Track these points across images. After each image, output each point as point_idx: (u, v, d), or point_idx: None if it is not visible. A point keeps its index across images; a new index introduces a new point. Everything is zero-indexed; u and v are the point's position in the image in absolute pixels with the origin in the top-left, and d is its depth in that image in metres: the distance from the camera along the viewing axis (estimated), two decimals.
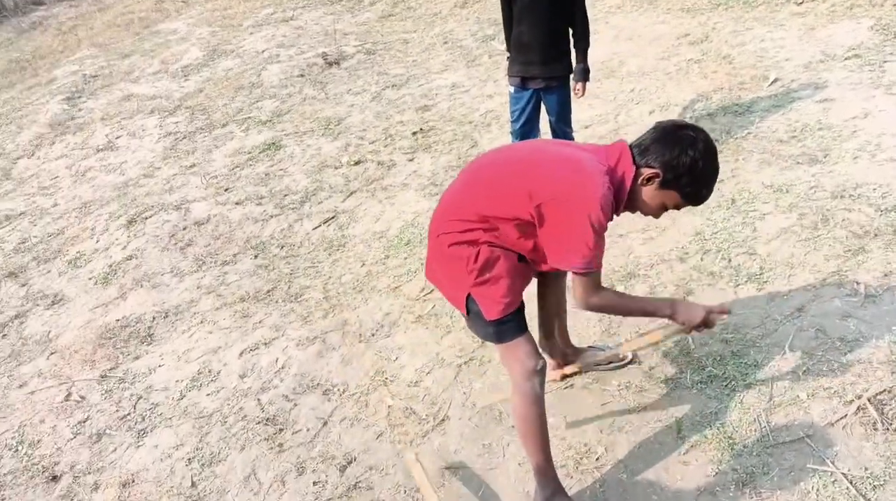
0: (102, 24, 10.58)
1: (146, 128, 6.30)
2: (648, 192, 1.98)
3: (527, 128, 3.83)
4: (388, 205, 4.33)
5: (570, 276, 2.04)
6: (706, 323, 2.08)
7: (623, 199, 1.97)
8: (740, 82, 4.64)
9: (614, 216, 2.00)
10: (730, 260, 3.13)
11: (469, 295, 2.08)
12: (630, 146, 1.99)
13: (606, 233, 1.95)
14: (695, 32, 5.59)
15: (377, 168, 4.79)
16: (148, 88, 7.33)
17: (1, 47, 10.70)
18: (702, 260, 3.19)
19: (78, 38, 9.97)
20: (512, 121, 3.90)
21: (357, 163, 4.90)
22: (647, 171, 1.94)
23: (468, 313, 2.14)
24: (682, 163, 1.89)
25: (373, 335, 3.29)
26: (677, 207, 2.01)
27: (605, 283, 3.11)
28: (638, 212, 2.08)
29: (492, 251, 2.02)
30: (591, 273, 1.96)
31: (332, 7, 8.97)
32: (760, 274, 3.00)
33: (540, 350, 2.23)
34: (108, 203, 5.09)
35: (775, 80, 4.52)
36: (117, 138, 6.22)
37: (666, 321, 2.23)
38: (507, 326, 2.10)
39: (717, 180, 2.00)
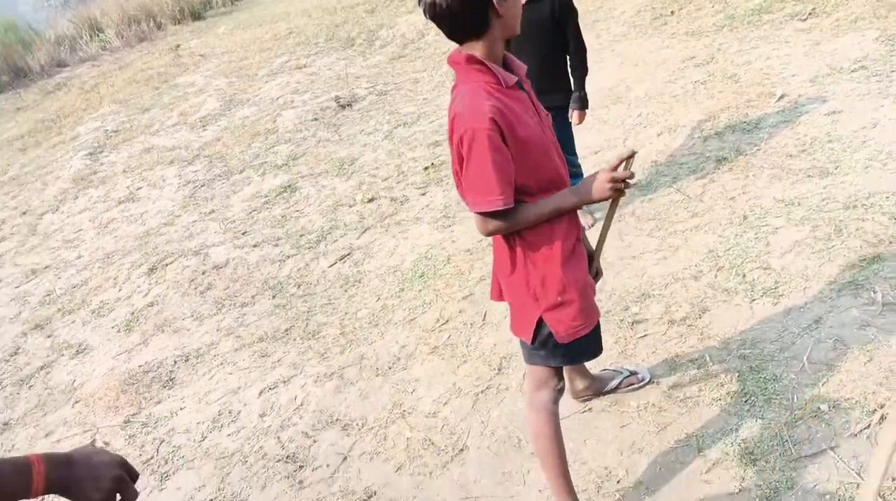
0: (123, 80, 10.91)
1: (166, 178, 6.45)
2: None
3: None
4: (401, 239, 4.37)
5: None
6: (617, 182, 1.82)
7: (492, 72, 1.75)
8: (747, 100, 4.65)
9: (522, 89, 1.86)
10: (744, 276, 3.11)
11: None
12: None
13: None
14: (700, 54, 5.62)
15: (390, 204, 4.85)
16: (167, 140, 7.52)
17: (28, 109, 11.06)
18: (716, 277, 3.17)
19: (100, 96, 10.28)
20: None
21: (371, 200, 4.97)
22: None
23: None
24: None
25: (390, 368, 3.30)
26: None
27: (618, 304, 3.17)
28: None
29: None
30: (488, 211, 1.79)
31: (345, 52, 9.18)
32: (776, 288, 2.97)
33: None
34: (129, 252, 5.20)
35: (782, 96, 4.52)
36: (138, 189, 6.38)
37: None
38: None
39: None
